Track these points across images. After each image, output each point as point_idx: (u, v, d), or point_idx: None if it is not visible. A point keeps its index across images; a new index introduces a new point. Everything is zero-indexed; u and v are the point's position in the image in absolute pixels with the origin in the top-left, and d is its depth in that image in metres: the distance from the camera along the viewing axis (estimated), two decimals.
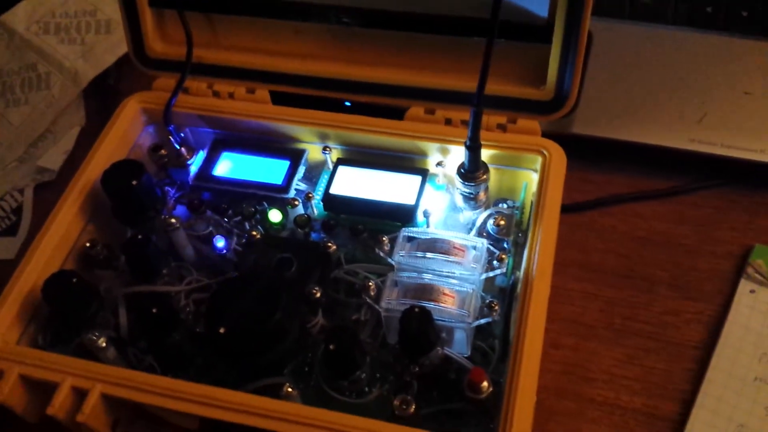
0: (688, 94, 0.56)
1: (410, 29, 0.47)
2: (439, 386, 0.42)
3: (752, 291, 0.49)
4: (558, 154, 0.45)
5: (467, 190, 0.45)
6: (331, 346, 0.38)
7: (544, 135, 0.47)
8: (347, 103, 0.55)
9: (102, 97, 0.66)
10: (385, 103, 0.48)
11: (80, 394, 0.40)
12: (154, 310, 0.41)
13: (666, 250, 0.53)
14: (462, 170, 0.44)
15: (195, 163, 0.50)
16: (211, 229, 0.48)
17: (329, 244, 0.45)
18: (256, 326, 0.39)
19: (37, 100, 0.64)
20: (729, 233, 0.53)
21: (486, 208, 0.47)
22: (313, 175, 0.50)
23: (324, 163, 0.50)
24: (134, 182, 0.45)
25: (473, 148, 0.42)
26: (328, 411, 0.37)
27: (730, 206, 0.54)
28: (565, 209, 0.56)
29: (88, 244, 0.47)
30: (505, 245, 0.45)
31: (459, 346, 0.43)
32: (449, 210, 0.47)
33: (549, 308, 0.52)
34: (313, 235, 0.48)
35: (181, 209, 0.50)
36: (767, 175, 0.54)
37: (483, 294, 0.44)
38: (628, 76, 0.57)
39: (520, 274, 0.43)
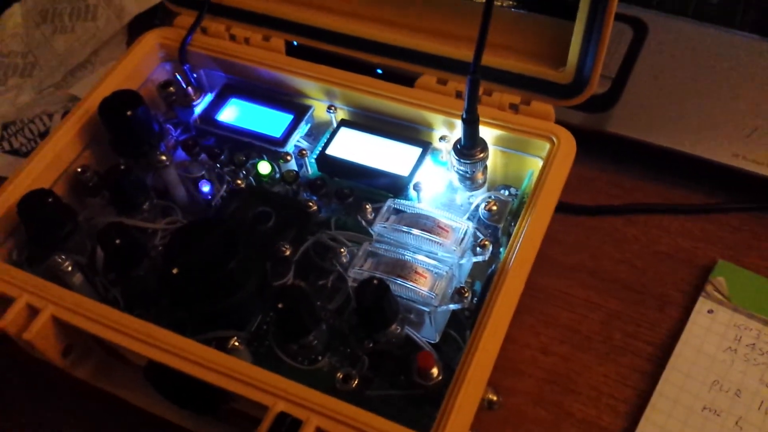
0: (739, 105, 0.51)
1: None
2: (394, 368, 0.39)
3: (710, 311, 0.45)
4: (568, 144, 0.41)
5: (462, 168, 0.42)
6: (280, 305, 0.36)
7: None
8: (379, 71, 0.53)
9: None
10: (398, 66, 0.46)
11: (34, 313, 0.39)
12: (117, 242, 0.40)
13: (687, 270, 0.49)
14: (458, 146, 0.41)
15: (201, 105, 0.49)
16: (203, 172, 0.47)
17: (310, 204, 0.43)
18: (208, 272, 0.38)
19: (82, 30, 0.65)
20: (761, 262, 0.48)
21: (486, 191, 0.44)
22: (318, 132, 0.48)
23: (330, 122, 0.48)
24: (129, 112, 0.44)
25: (469, 121, 0.39)
26: (261, 370, 0.35)
27: None
28: (586, 211, 0.52)
29: (79, 170, 0.46)
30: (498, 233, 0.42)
31: (428, 331, 0.40)
32: (448, 189, 0.44)
33: (547, 312, 0.49)
34: (306, 195, 0.46)
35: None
36: None
37: (467, 279, 0.42)
38: (678, 77, 0.52)
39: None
